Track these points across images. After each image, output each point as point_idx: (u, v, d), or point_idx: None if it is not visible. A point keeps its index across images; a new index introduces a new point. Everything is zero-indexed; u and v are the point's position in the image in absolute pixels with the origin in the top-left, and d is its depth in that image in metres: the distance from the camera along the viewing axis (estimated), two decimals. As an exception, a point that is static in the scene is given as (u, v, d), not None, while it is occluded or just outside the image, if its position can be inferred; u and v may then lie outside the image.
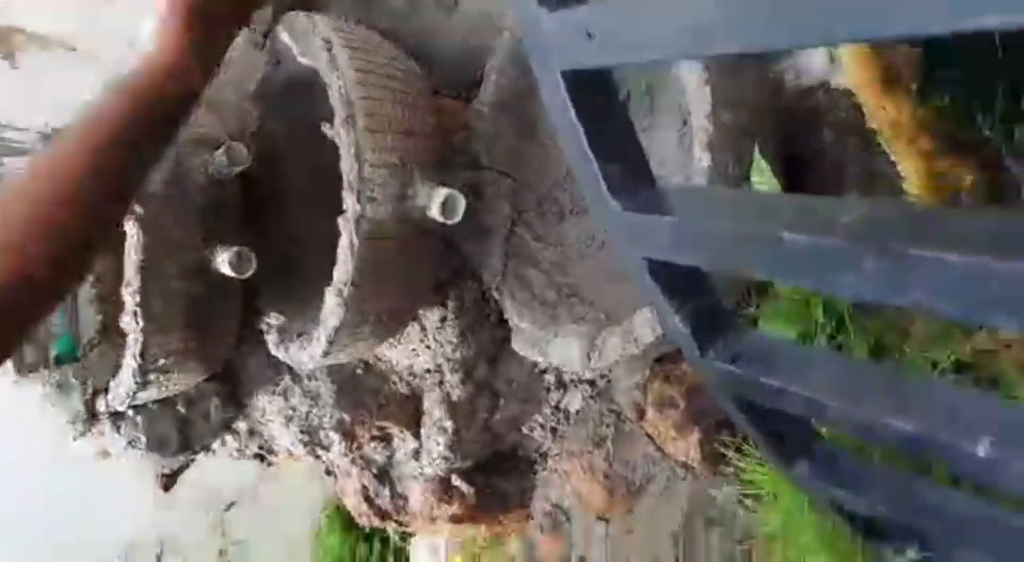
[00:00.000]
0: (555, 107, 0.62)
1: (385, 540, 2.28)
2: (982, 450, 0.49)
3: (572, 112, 0.60)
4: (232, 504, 2.25)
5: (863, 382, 0.58)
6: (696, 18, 0.44)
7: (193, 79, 1.15)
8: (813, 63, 0.95)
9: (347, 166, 1.04)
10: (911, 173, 1.02)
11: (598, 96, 0.60)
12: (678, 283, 0.66)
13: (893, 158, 1.03)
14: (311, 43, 1.10)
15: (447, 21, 1.35)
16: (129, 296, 1.22)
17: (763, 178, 0.85)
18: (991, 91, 1.06)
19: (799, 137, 1.07)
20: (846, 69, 0.99)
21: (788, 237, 0.49)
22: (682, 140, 1.13)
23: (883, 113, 1.03)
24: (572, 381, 1.30)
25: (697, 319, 0.68)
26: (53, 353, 1.60)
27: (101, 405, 1.43)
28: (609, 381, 1.23)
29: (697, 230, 0.57)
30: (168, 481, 1.66)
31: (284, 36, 1.21)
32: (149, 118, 1.09)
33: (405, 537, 2.22)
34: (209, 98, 1.54)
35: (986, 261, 0.39)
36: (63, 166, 0.98)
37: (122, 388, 1.33)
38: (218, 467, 2.02)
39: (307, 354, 1.21)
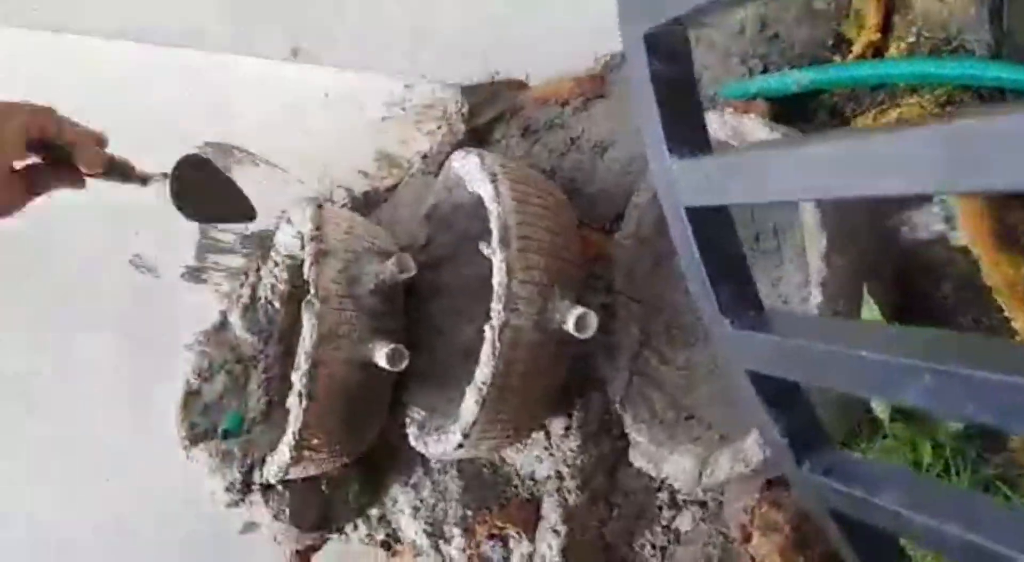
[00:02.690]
0: (679, 239, 0.74)
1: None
2: (1038, 562, 0.55)
3: (692, 241, 0.72)
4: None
5: (939, 497, 0.65)
6: (788, 171, 0.56)
7: None
8: (928, 219, 1.03)
9: (498, 280, 1.19)
10: (1026, 328, 1.07)
11: (715, 228, 0.72)
12: (778, 396, 0.75)
13: (1008, 314, 1.08)
14: (479, 175, 1.28)
15: (599, 162, 1.52)
16: (297, 379, 1.40)
17: (872, 317, 0.93)
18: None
19: (915, 286, 1.13)
20: (961, 226, 1.07)
21: (866, 355, 0.58)
22: (805, 280, 1.22)
23: (999, 271, 1.09)
24: (684, 501, 1.35)
25: (794, 431, 0.76)
26: (222, 428, 1.81)
27: (256, 477, 1.59)
28: (720, 503, 1.28)
29: (793, 347, 0.67)
30: (301, 559, 1.79)
31: (456, 168, 1.40)
32: None
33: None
34: (385, 216, 1.76)
35: (1019, 380, 0.48)
36: None
37: (277, 462, 1.49)
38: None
39: (442, 447, 1.33)
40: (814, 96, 1.36)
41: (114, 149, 1.07)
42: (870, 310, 0.94)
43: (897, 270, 1.10)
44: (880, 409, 1.07)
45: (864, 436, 1.13)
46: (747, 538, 1.18)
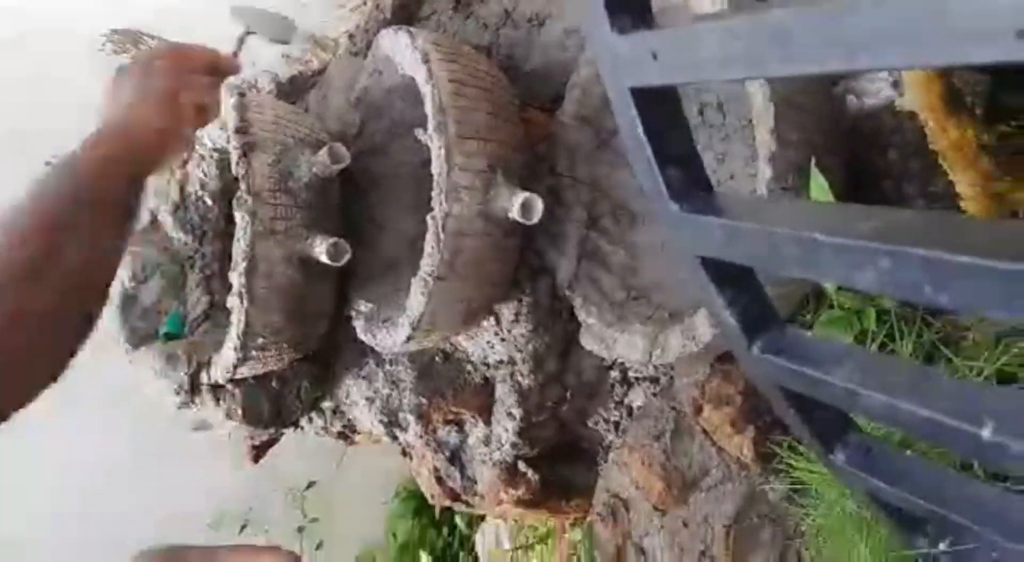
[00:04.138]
0: (623, 120, 0.70)
1: (453, 527, 2.39)
2: (986, 433, 0.55)
3: (638, 124, 0.68)
4: (312, 484, 2.39)
5: (889, 373, 0.65)
6: (741, 45, 0.52)
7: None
8: (876, 86, 1.00)
9: (437, 168, 1.14)
10: (969, 194, 1.07)
11: (661, 110, 0.68)
12: (729, 280, 0.73)
13: (953, 178, 1.08)
14: (410, 55, 1.20)
15: (536, 37, 1.44)
16: (235, 278, 1.35)
17: (821, 192, 0.92)
18: (1058, 118, 1.09)
19: (863, 155, 1.12)
20: (910, 92, 1.05)
21: (820, 238, 0.56)
22: (752, 155, 1.20)
23: (945, 135, 1.07)
24: (636, 378, 1.37)
25: (745, 314, 0.75)
26: (163, 331, 1.76)
27: (203, 378, 1.57)
28: (671, 378, 1.30)
29: (745, 231, 0.65)
30: (258, 453, 1.80)
31: (385, 48, 1.32)
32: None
33: (472, 524, 2.32)
34: (313, 102, 1.67)
35: (986, 262, 0.46)
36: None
37: (224, 362, 1.46)
38: (301, 449, 2.16)
39: (391, 339, 1.31)
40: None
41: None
42: (819, 184, 0.92)
43: (845, 140, 1.08)
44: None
45: (811, 307, 1.14)
46: (698, 411, 1.20)
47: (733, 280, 0.74)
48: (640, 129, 0.69)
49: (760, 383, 0.81)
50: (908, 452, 0.78)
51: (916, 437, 0.74)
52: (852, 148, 1.10)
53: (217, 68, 0.91)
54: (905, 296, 0.55)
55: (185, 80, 0.87)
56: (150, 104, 0.85)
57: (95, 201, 0.78)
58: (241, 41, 1.04)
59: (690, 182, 0.71)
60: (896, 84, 0.99)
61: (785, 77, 0.94)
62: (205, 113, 0.91)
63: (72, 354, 0.77)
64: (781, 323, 0.76)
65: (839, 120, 1.04)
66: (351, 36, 1.66)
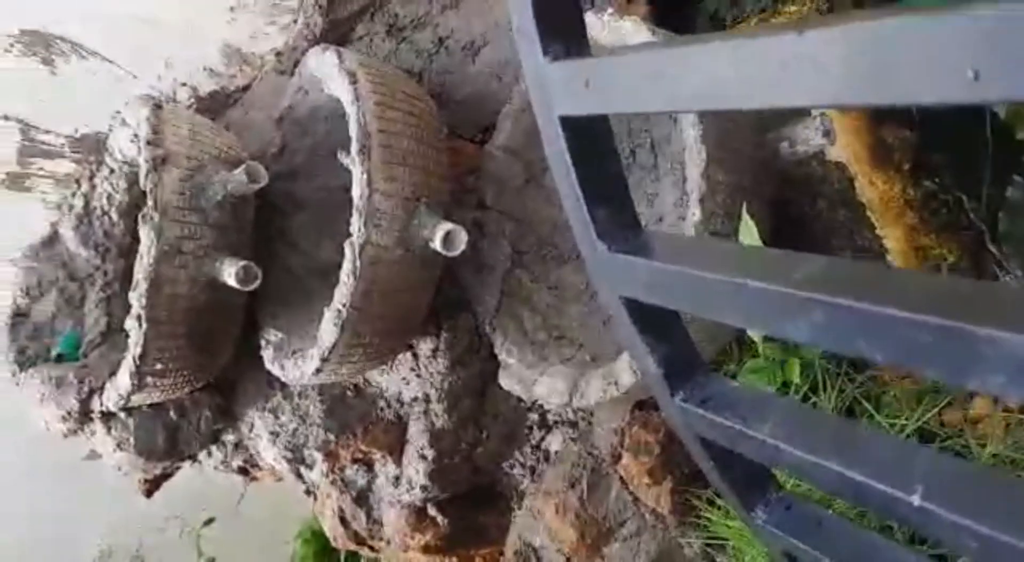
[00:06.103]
0: (552, 150, 0.66)
1: (358, 570, 2.29)
2: (916, 499, 0.52)
3: (567, 155, 0.64)
4: (211, 520, 2.26)
5: (816, 430, 0.62)
6: (669, 76, 0.49)
7: None
8: (808, 134, 1.00)
9: (358, 193, 1.08)
10: (895, 247, 1.07)
11: (592, 141, 0.64)
12: (654, 325, 0.70)
13: (879, 231, 1.08)
14: (337, 75, 1.15)
15: (470, 66, 1.41)
16: (135, 299, 1.26)
17: (750, 236, 0.90)
18: (979, 179, 1.10)
19: (792, 202, 1.11)
20: (840, 141, 1.04)
21: (750, 285, 0.53)
22: (682, 197, 1.18)
23: (873, 188, 1.08)
24: (555, 422, 1.33)
25: (670, 361, 0.72)
26: (55, 351, 1.64)
27: (95, 404, 1.46)
28: (590, 423, 1.26)
29: (673, 274, 0.61)
30: (151, 487, 1.68)
31: (312, 67, 1.27)
32: None
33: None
34: (234, 119, 1.60)
35: (919, 316, 0.43)
36: None
37: (118, 389, 1.36)
38: (201, 482, 2.04)
39: (299, 371, 1.24)
40: (695, 0, 1.30)
41: None
42: (748, 229, 0.90)
43: (775, 187, 1.06)
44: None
45: (735, 356, 1.12)
46: (617, 458, 1.16)
47: (658, 324, 0.70)
48: (569, 161, 0.65)
49: (681, 433, 0.77)
50: (829, 510, 0.75)
51: (840, 497, 0.71)
52: (781, 194, 1.09)
53: None
54: (837, 349, 0.52)
55: None
56: None
57: None
58: None
59: (619, 221, 0.67)
60: (828, 133, 0.98)
61: (718, 116, 0.93)
62: None
63: None
64: (706, 371, 0.73)
65: (770, 166, 1.03)
66: (278, 54, 1.60)
